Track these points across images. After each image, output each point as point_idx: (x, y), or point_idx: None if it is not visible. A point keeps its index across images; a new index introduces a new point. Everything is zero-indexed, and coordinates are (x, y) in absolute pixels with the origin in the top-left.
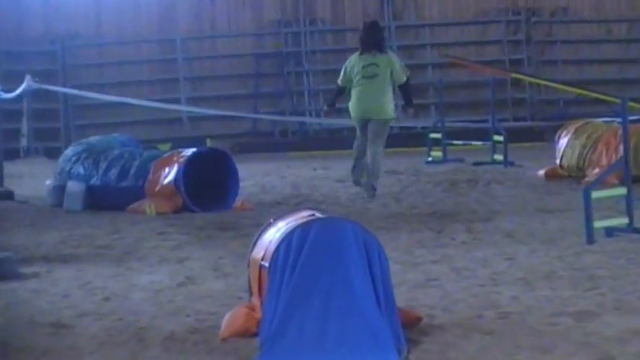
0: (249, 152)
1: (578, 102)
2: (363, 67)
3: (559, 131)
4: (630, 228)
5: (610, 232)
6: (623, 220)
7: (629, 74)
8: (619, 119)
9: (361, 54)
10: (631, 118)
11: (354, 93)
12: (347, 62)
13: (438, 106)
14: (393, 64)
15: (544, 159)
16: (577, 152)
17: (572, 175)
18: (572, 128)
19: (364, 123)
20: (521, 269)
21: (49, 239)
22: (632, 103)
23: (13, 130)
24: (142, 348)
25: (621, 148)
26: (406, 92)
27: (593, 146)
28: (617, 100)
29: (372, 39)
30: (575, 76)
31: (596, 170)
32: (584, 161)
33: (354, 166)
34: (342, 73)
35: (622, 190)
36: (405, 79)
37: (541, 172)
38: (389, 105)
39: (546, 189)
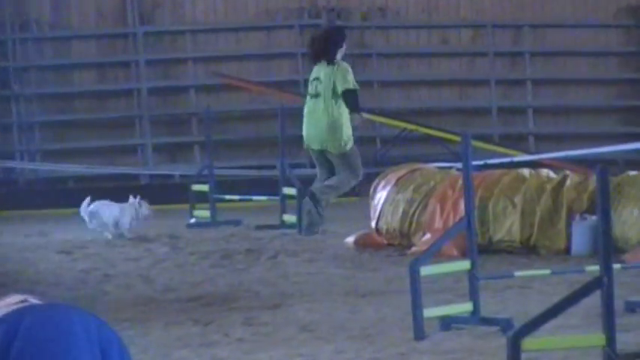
0: None
1: (403, 140)
2: (310, 82)
3: (375, 181)
4: (475, 317)
5: (447, 323)
6: (466, 307)
7: (472, 101)
8: (459, 164)
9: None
10: (475, 162)
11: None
12: None
13: (205, 145)
14: (336, 75)
15: (355, 221)
16: (400, 211)
17: (393, 244)
18: (393, 177)
19: (314, 152)
20: None
21: None
22: (477, 142)
23: None
24: None
25: (462, 204)
26: (347, 98)
27: (423, 202)
28: (457, 138)
29: (317, 46)
30: (399, 103)
31: (428, 237)
32: (410, 224)
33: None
34: None
35: (463, 265)
36: (347, 87)
37: (350, 240)
38: (339, 132)
39: (358, 263)
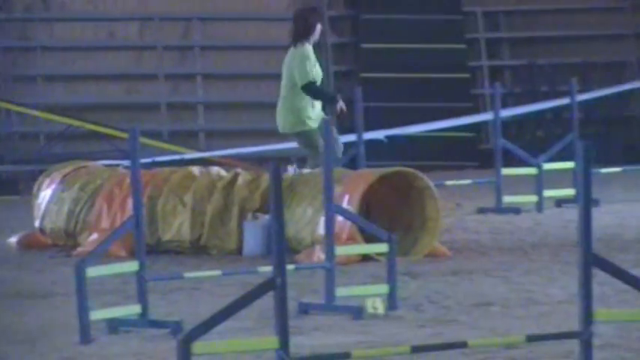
0: None
1: (68, 136)
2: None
3: (39, 180)
4: (144, 320)
5: (115, 326)
6: (134, 309)
7: (140, 96)
8: (127, 162)
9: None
10: (144, 160)
11: None
12: None
13: None
14: (294, 61)
15: (18, 220)
16: (66, 210)
17: (59, 244)
18: (58, 175)
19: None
20: None
21: None
22: (145, 139)
23: None
24: None
25: (130, 203)
26: (314, 94)
27: (90, 201)
28: (124, 134)
29: (293, 28)
30: (63, 98)
31: (94, 237)
32: (76, 223)
33: None
34: None
35: (131, 266)
36: (304, 82)
37: (13, 240)
38: (294, 114)
39: (21, 264)
